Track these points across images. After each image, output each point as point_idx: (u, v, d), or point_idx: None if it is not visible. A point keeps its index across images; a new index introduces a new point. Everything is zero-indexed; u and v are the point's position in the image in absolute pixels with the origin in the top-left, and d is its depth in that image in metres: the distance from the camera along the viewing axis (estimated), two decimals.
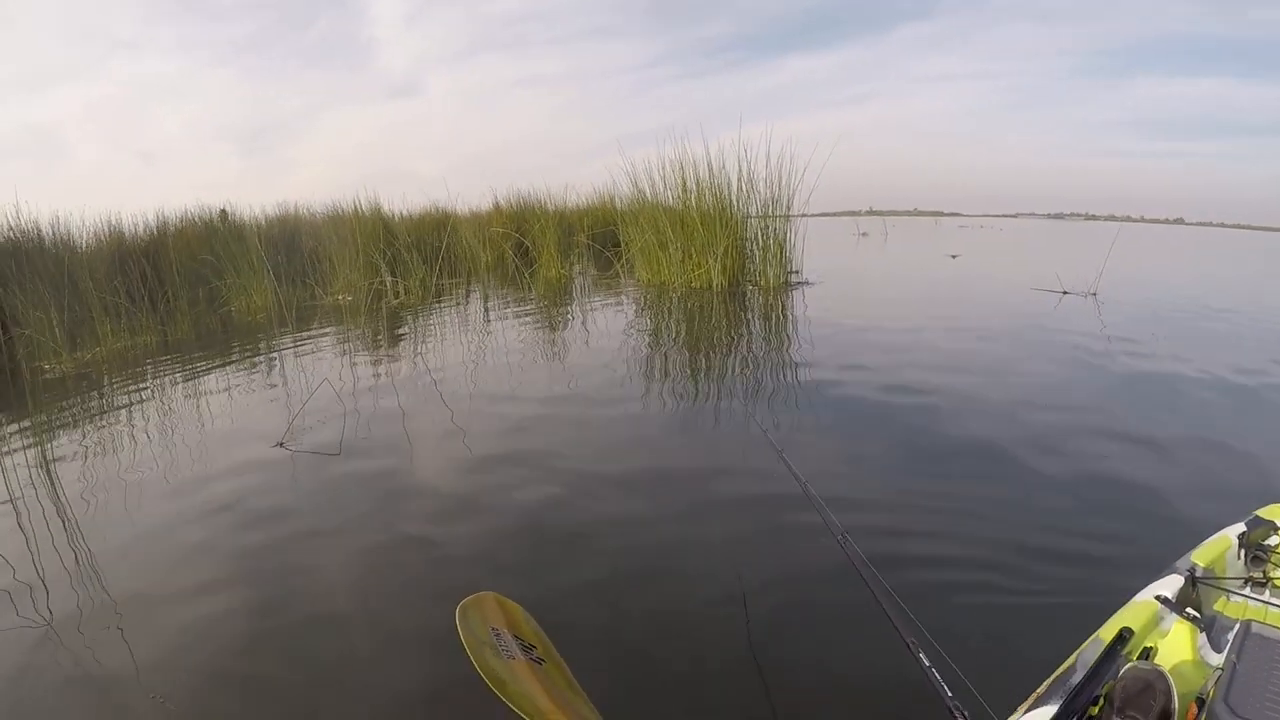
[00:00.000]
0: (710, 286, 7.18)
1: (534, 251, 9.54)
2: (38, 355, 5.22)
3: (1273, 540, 1.32)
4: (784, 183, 7.11)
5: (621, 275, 8.74)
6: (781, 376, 3.89)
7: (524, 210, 10.44)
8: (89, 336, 5.55)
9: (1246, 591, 1.14)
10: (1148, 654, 0.98)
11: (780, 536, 2.02)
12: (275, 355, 5.07)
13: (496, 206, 10.81)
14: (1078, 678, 0.91)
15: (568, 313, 6.54)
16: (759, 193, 7.15)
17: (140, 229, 7.59)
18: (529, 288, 8.32)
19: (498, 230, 10.07)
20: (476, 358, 4.61)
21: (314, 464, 2.72)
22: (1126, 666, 0.89)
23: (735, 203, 7.18)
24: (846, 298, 7.20)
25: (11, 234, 6.05)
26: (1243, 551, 1.29)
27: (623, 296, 7.46)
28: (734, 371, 4.09)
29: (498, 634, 1.10)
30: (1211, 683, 0.87)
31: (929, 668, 0.98)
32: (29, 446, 3.21)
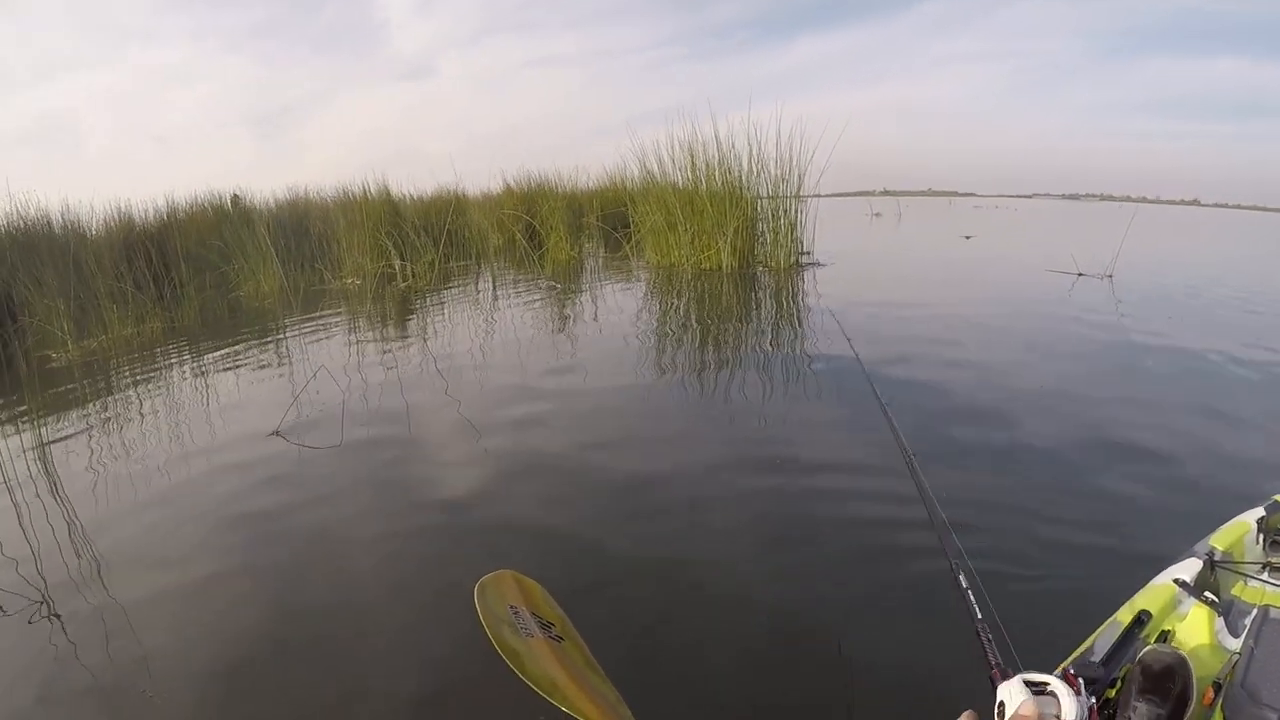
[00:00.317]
0: (720, 268, 7.13)
1: (543, 233, 9.50)
2: (45, 344, 5.24)
3: None
4: (794, 162, 7.03)
5: (631, 257, 8.69)
6: (790, 358, 3.86)
7: (534, 192, 10.38)
8: (96, 324, 5.56)
9: (1265, 576, 1.13)
10: (1165, 637, 0.98)
11: (797, 513, 2.03)
12: (280, 340, 5.08)
13: (507, 188, 10.74)
14: (1095, 660, 0.91)
15: (576, 295, 6.51)
16: (769, 172, 7.08)
17: (150, 215, 7.64)
18: (538, 269, 8.30)
19: (508, 212, 10.03)
20: (484, 340, 4.61)
21: (315, 451, 2.72)
22: (1145, 649, 0.89)
23: (745, 183, 7.11)
24: (858, 279, 7.13)
25: (21, 223, 6.08)
26: (1261, 536, 1.28)
27: (632, 278, 7.43)
28: (742, 352, 4.06)
29: (516, 612, 1.11)
30: (1229, 667, 0.87)
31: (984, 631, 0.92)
32: (26, 436, 3.22)
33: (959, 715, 0.67)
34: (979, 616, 0.93)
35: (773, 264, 7.30)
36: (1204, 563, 1.15)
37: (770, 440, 2.66)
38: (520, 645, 1.02)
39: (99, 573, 1.90)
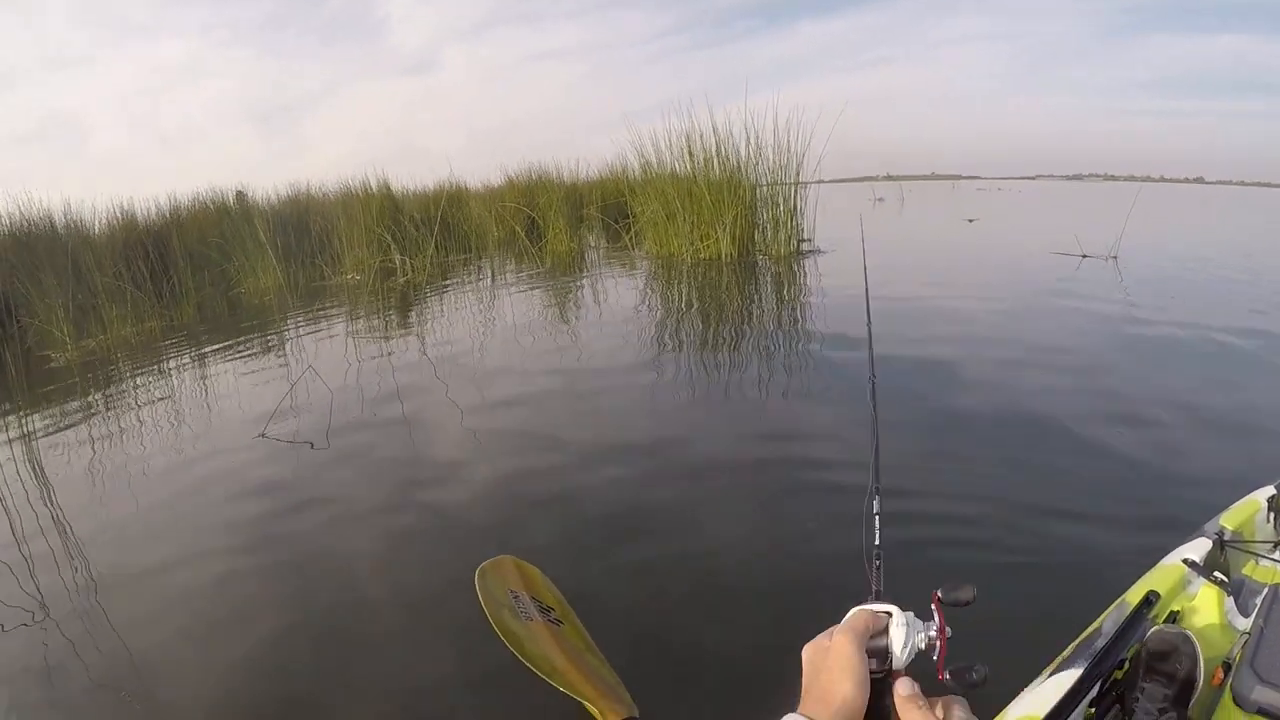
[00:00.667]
0: (720, 256, 7.10)
1: (543, 226, 9.47)
2: (46, 344, 5.25)
3: None
4: (793, 149, 6.97)
5: (631, 248, 8.66)
6: (789, 345, 3.84)
7: (535, 184, 10.33)
8: (95, 323, 5.57)
9: (1275, 555, 1.12)
10: (1174, 618, 0.97)
11: (796, 498, 2.02)
12: (277, 337, 5.08)
13: (509, 180, 10.69)
14: (1103, 641, 0.90)
15: (575, 287, 6.49)
16: (767, 159, 7.02)
17: (153, 213, 7.62)
18: (538, 262, 8.28)
19: (509, 205, 9.99)
20: (483, 332, 4.60)
21: (311, 447, 2.71)
22: (1153, 630, 0.88)
23: (743, 170, 7.05)
24: (858, 266, 7.06)
25: (24, 223, 6.06)
26: (1272, 515, 1.27)
27: (631, 269, 7.39)
28: (740, 341, 4.05)
29: (516, 596, 1.12)
30: (1238, 647, 0.86)
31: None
32: (16, 437, 3.24)
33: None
34: (876, 543, 0.90)
35: (773, 252, 7.25)
36: (1214, 542, 1.13)
37: (765, 426, 2.65)
38: (520, 628, 1.03)
39: (91, 579, 1.89)
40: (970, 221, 12.70)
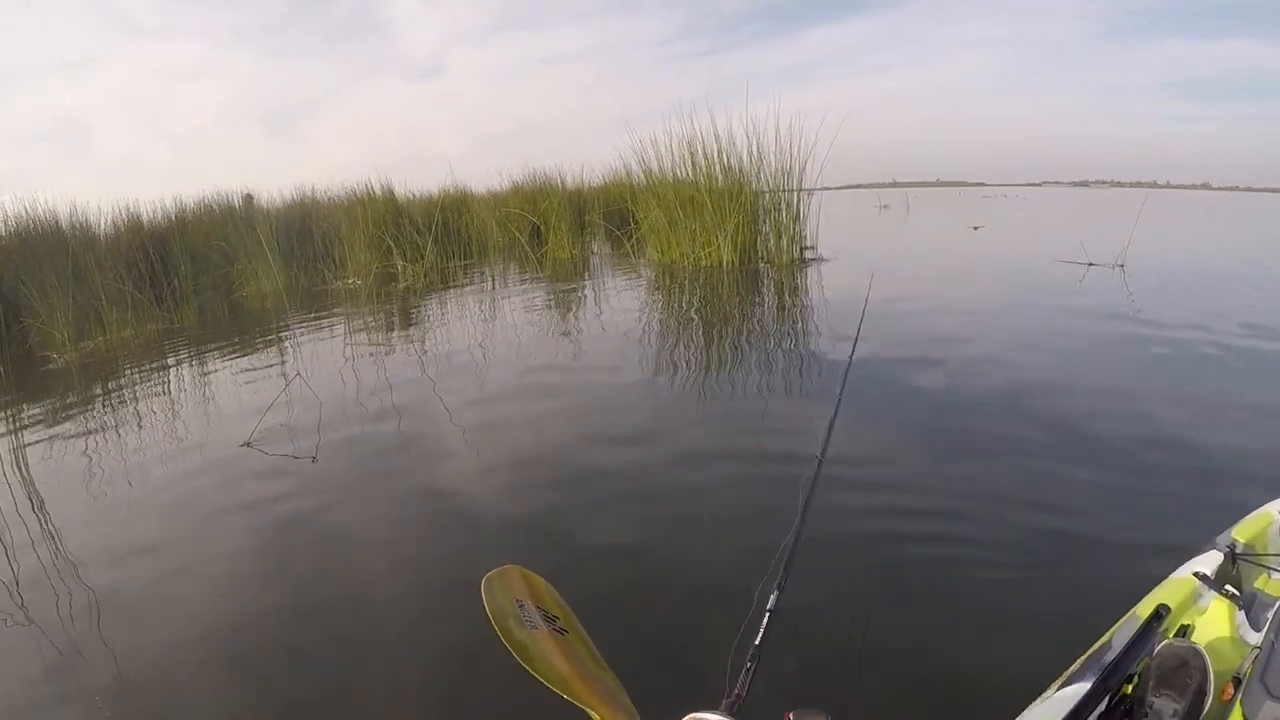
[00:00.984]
0: (721, 264, 7.10)
1: (545, 232, 9.51)
2: (46, 345, 5.27)
3: None
4: (795, 155, 6.96)
5: (632, 255, 8.68)
6: (789, 355, 3.81)
7: (539, 190, 10.37)
8: (96, 325, 5.59)
9: None
10: (1185, 632, 0.96)
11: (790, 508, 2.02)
12: (275, 342, 5.07)
13: (514, 185, 10.73)
14: (1112, 655, 0.90)
15: (576, 294, 6.48)
16: (770, 165, 7.01)
17: (159, 216, 7.65)
18: (540, 268, 8.30)
19: (513, 210, 10.03)
20: (483, 339, 4.58)
21: (302, 456, 2.68)
22: (1162, 644, 0.87)
23: (745, 177, 7.05)
24: (862, 274, 7.07)
25: (30, 224, 6.05)
26: None
27: (633, 277, 7.38)
28: (740, 350, 4.02)
29: (521, 605, 1.13)
30: (1249, 662, 0.84)
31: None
32: (11, 439, 3.26)
33: None
34: (756, 642, 0.90)
35: (775, 260, 7.24)
36: (1225, 555, 1.12)
37: (763, 435, 2.63)
38: (526, 637, 1.04)
39: (83, 585, 1.86)
40: (975, 229, 12.67)
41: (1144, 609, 1.03)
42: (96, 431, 3.32)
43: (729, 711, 0.44)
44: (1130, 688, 0.85)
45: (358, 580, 1.84)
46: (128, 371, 4.62)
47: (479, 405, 3.20)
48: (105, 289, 5.73)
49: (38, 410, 3.85)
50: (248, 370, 4.24)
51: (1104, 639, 1.02)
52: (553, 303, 6.01)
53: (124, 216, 7.15)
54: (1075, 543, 1.76)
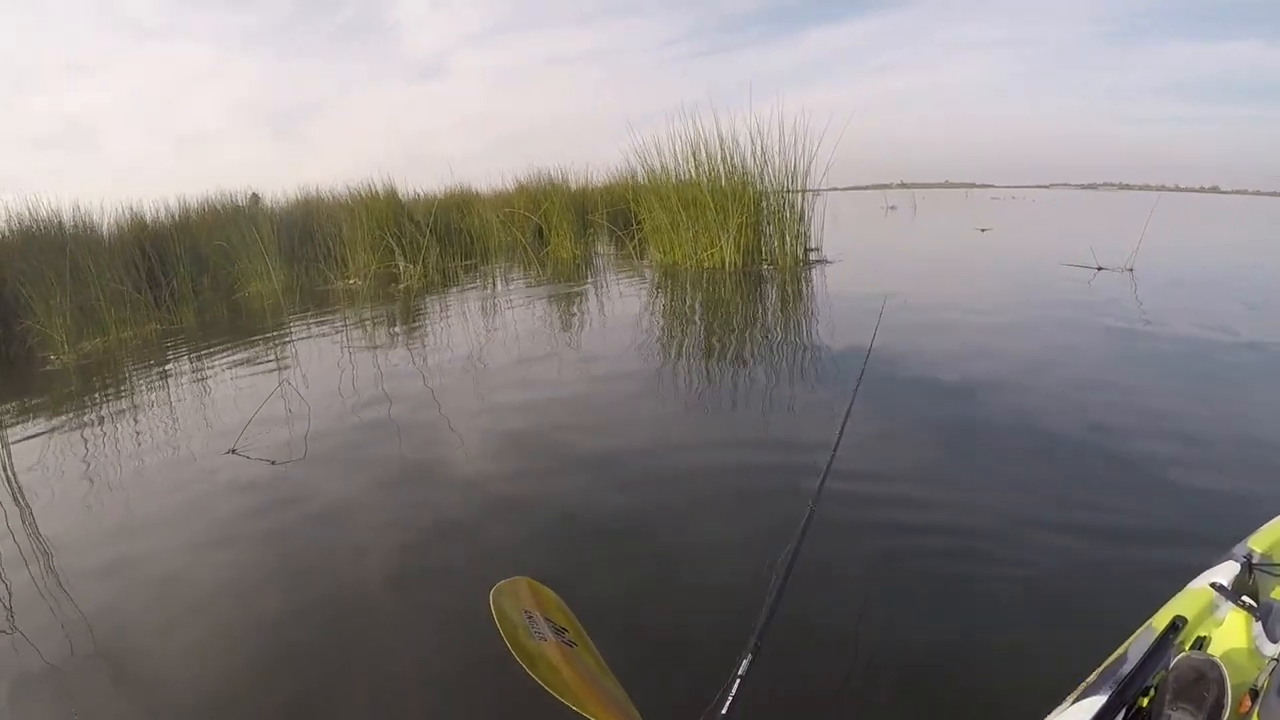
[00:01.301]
0: (724, 266, 7.07)
1: (547, 232, 9.52)
2: (45, 346, 5.29)
3: None
4: (800, 156, 6.92)
5: (634, 256, 8.66)
6: (793, 358, 3.79)
7: (544, 190, 10.38)
8: (94, 326, 5.60)
9: None
10: (1201, 643, 0.95)
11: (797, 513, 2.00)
12: (273, 343, 5.07)
13: (519, 186, 10.75)
14: (1128, 667, 0.89)
15: (576, 295, 6.46)
16: (773, 166, 6.97)
17: (163, 216, 7.67)
18: (542, 269, 8.30)
19: (517, 210, 10.05)
20: (483, 340, 4.57)
21: (297, 460, 2.66)
22: (1179, 656, 0.86)
23: (748, 178, 7.01)
24: (868, 277, 7.03)
25: (34, 224, 6.08)
26: None
27: (635, 278, 7.36)
28: (742, 355, 3.98)
29: (530, 617, 1.14)
30: (1266, 674, 0.83)
31: None
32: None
33: None
34: (724, 712, 0.90)
35: (779, 261, 7.21)
36: (1242, 565, 1.10)
37: (767, 443, 2.60)
38: (534, 648, 1.06)
39: (74, 588, 1.86)
40: (983, 231, 12.61)
41: (1160, 620, 1.02)
42: (92, 433, 3.31)
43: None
44: (1147, 701, 0.84)
45: (358, 581, 1.82)
46: (125, 373, 4.63)
47: (479, 408, 3.18)
48: (105, 289, 5.75)
49: (35, 411, 3.86)
50: (244, 372, 4.23)
51: (1119, 651, 1.01)
52: (554, 304, 5.99)
53: (127, 217, 7.20)
54: (1088, 549, 1.73)
